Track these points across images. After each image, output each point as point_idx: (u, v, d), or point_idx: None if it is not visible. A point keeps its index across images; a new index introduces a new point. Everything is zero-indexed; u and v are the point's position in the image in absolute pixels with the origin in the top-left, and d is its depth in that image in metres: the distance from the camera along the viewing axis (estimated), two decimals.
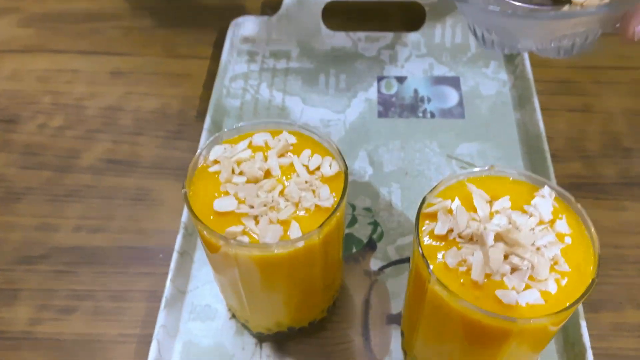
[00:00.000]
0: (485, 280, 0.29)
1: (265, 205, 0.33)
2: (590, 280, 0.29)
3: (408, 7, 0.63)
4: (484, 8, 0.36)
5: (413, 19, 0.62)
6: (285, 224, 0.32)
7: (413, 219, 0.33)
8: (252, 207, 0.32)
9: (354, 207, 0.49)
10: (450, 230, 0.31)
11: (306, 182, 0.34)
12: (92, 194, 0.51)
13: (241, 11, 0.65)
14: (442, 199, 0.33)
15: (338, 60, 0.61)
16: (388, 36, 0.62)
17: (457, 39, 0.61)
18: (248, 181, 0.34)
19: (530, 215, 0.32)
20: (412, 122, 0.55)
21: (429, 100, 0.57)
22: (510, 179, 0.34)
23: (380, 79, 0.59)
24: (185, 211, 0.46)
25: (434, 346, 0.35)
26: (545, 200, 0.32)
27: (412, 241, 0.32)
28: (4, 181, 0.52)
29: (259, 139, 0.36)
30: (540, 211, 0.32)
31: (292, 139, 0.36)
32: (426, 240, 0.31)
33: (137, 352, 0.42)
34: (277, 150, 0.35)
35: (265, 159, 0.35)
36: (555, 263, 0.30)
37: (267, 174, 0.34)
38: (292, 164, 0.35)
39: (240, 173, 0.34)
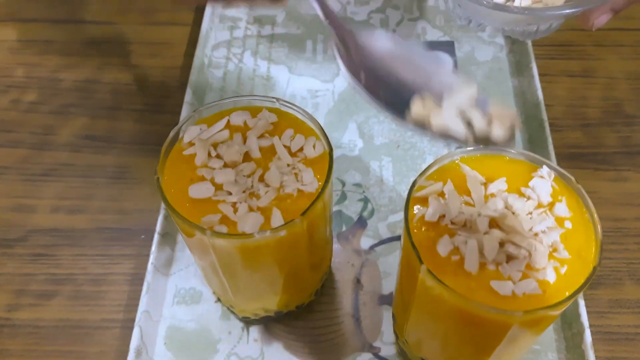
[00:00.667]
0: (480, 270, 0.27)
1: (244, 192, 0.30)
2: (592, 268, 0.28)
3: None
4: None
5: None
6: (266, 211, 0.30)
7: (405, 194, 0.31)
8: (230, 193, 0.30)
9: (343, 183, 0.47)
10: (442, 216, 0.29)
11: (288, 164, 0.32)
12: (70, 173, 0.49)
13: None
14: (433, 181, 0.30)
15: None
16: None
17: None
18: (225, 165, 0.32)
19: (528, 198, 0.30)
20: None
21: None
22: (507, 157, 0.32)
23: None
24: None
25: (426, 334, 0.34)
26: (544, 182, 0.30)
27: (403, 228, 0.30)
28: None
29: (238, 118, 0.34)
30: (539, 193, 0.30)
31: (273, 118, 0.34)
32: (417, 228, 0.29)
33: (120, 337, 0.40)
34: (257, 131, 0.33)
35: (244, 140, 0.33)
36: (554, 250, 0.28)
37: (247, 156, 0.32)
38: (272, 146, 0.32)
39: (217, 156, 0.32)
